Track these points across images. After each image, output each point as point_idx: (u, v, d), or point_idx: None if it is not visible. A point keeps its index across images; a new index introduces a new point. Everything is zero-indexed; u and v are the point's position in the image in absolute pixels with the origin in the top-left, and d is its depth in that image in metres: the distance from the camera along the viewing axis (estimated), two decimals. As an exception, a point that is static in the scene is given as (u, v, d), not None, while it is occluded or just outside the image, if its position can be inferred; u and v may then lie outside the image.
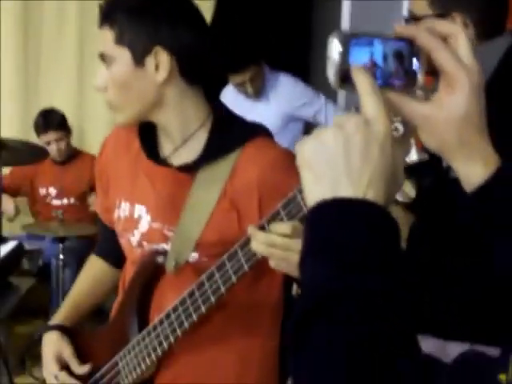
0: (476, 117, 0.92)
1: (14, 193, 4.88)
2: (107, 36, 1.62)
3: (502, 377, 0.70)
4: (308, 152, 0.84)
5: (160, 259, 1.69)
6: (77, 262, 4.09)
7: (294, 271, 1.38)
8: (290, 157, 1.58)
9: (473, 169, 0.93)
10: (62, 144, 4.82)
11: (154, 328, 1.67)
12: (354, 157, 0.82)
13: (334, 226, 0.80)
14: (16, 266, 3.36)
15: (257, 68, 4.06)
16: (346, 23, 4.35)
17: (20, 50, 5.30)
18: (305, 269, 0.82)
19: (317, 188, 0.83)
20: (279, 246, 1.39)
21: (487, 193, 0.93)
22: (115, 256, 1.89)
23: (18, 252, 3.25)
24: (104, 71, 1.65)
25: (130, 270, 1.80)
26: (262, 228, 1.42)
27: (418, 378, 0.71)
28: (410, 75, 0.91)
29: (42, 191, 4.91)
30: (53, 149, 4.76)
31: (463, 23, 1.89)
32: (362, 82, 0.85)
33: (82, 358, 1.86)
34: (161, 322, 1.65)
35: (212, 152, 1.65)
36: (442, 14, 1.90)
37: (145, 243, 1.73)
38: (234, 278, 1.51)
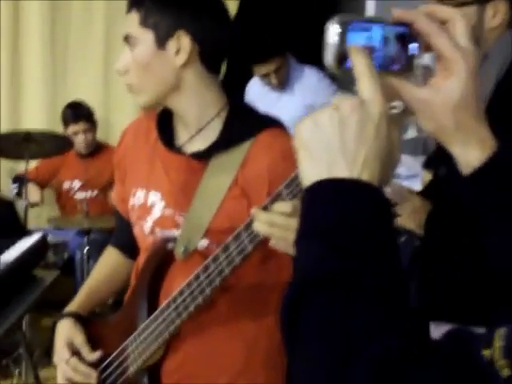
0: (473, 101, 0.93)
1: (42, 186, 4.91)
2: (133, 18, 1.66)
3: (486, 352, 0.71)
4: (304, 133, 0.86)
5: (170, 245, 1.70)
6: (101, 255, 4.10)
7: (292, 251, 1.38)
8: None
9: (470, 152, 0.95)
10: (89, 136, 4.86)
11: (162, 312, 1.69)
12: (349, 138, 0.83)
13: (328, 206, 0.82)
14: (41, 259, 3.37)
15: (282, 59, 4.05)
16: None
17: (47, 44, 5.35)
18: (300, 248, 0.84)
19: (313, 168, 0.85)
20: (279, 225, 1.39)
21: (484, 176, 0.94)
22: (130, 247, 1.91)
23: (42, 245, 3.25)
24: (127, 53, 1.69)
25: (142, 258, 1.82)
26: (264, 209, 1.43)
27: (407, 351, 0.72)
28: (408, 59, 0.91)
29: (67, 184, 4.95)
30: (80, 140, 4.81)
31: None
32: (359, 62, 0.86)
33: (93, 345, 1.88)
34: (168, 306, 1.67)
35: (225, 141, 1.68)
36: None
37: (157, 229, 1.75)
38: (237, 260, 1.52)
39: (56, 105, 5.27)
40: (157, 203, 1.75)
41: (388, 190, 1.94)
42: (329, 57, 0.88)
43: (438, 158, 1.98)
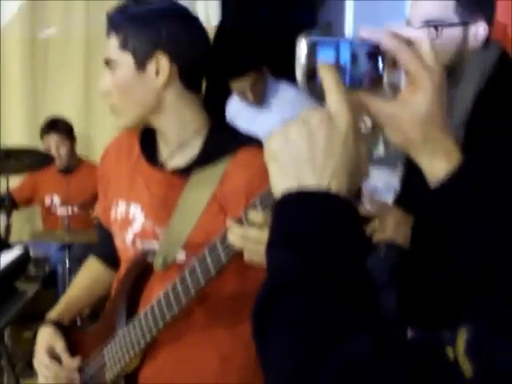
0: (439, 115, 0.97)
1: (27, 203, 4.94)
2: (112, 42, 1.71)
3: (449, 351, 0.72)
4: (274, 146, 0.89)
5: (150, 258, 1.75)
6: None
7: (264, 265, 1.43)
8: None
9: (436, 164, 0.98)
10: (63, 149, 4.87)
11: (139, 321, 1.73)
12: (317, 150, 0.87)
13: (297, 214, 0.85)
14: (22, 272, 3.41)
15: (257, 74, 4.03)
16: (349, 27, 4.39)
17: (26, 59, 5.36)
18: (269, 255, 0.87)
19: (283, 180, 0.88)
20: (252, 238, 1.43)
21: (450, 186, 0.97)
22: (112, 257, 1.96)
23: (23, 258, 3.30)
24: (108, 76, 1.73)
25: (123, 269, 1.86)
26: (239, 221, 1.47)
27: (376, 352, 0.75)
28: (376, 76, 0.95)
29: (47, 200, 4.96)
30: (54, 152, 4.81)
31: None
32: (328, 78, 0.90)
33: (73, 353, 1.92)
34: (145, 315, 1.71)
35: (204, 157, 1.72)
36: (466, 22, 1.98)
37: (138, 241, 1.80)
38: (213, 272, 1.56)
39: (36, 120, 5.29)
40: (137, 216, 1.80)
41: (369, 206, 2.01)
42: (299, 74, 0.93)
43: (410, 170, 2.06)
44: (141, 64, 1.69)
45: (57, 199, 4.94)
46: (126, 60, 1.70)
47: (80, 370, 1.91)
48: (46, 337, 1.93)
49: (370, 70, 0.95)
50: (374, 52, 0.95)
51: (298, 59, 0.93)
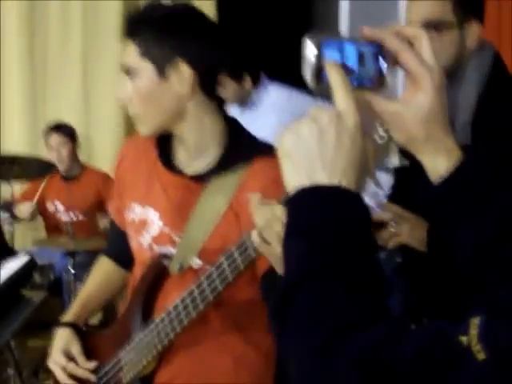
0: (440, 113, 0.99)
1: None
2: (131, 49, 1.70)
3: (463, 339, 0.75)
4: (286, 143, 0.92)
5: (166, 262, 1.76)
6: (88, 276, 4.12)
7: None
8: None
9: (438, 161, 1.01)
10: (64, 150, 4.87)
11: (156, 325, 1.75)
12: (328, 147, 0.90)
13: (310, 209, 0.89)
14: (28, 280, 3.40)
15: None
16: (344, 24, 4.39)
17: (26, 66, 5.39)
18: (285, 249, 0.90)
19: (295, 176, 0.92)
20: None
21: (451, 182, 1.01)
22: (123, 257, 1.97)
23: (29, 265, 3.28)
24: (127, 84, 1.71)
25: (138, 272, 1.88)
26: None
27: (388, 340, 0.78)
28: (379, 76, 0.98)
29: (51, 207, 4.97)
30: (54, 155, 4.82)
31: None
32: (335, 77, 0.93)
33: (88, 356, 1.93)
34: (162, 319, 1.73)
35: (223, 165, 1.73)
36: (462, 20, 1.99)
37: (155, 246, 1.81)
38: (230, 277, 1.58)
39: (36, 128, 5.32)
40: (155, 220, 1.80)
41: (387, 214, 2.03)
42: (307, 73, 0.95)
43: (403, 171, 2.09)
44: (162, 72, 1.68)
45: (60, 206, 4.94)
46: (146, 68, 1.69)
47: (95, 372, 1.92)
48: (63, 338, 1.94)
49: (374, 70, 0.97)
50: (377, 52, 0.97)
51: (307, 59, 0.94)
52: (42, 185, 4.75)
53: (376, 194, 1.87)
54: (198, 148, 1.76)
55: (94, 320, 3.94)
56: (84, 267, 4.30)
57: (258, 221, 1.38)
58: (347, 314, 0.82)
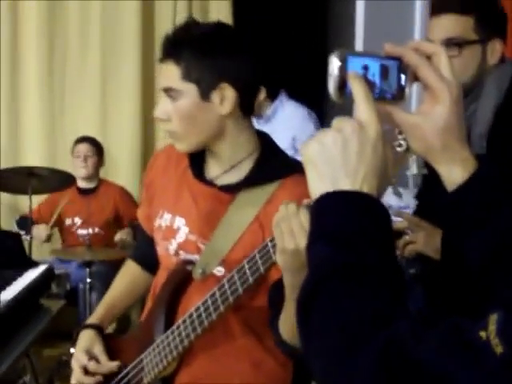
0: (456, 125, 1.06)
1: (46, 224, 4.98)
2: (173, 71, 1.72)
3: (482, 334, 0.80)
4: (311, 152, 0.98)
5: (189, 268, 1.82)
6: (104, 286, 4.17)
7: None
8: None
9: (453, 170, 1.07)
10: (90, 160, 4.94)
11: (178, 327, 1.80)
12: (350, 156, 0.96)
13: (334, 213, 0.95)
14: (46, 289, 3.46)
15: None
16: (359, 40, 4.42)
17: (44, 80, 5.42)
18: (310, 251, 0.96)
19: (319, 183, 0.97)
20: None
21: (466, 191, 1.07)
22: (149, 261, 2.02)
23: (48, 275, 3.35)
24: (167, 104, 1.75)
25: (162, 276, 1.93)
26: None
27: (412, 336, 0.83)
28: (399, 89, 1.04)
29: (68, 221, 4.99)
30: (78, 162, 4.90)
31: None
32: (358, 89, 0.99)
33: (111, 357, 1.98)
34: (183, 322, 1.78)
35: (254, 179, 1.78)
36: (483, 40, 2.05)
37: (181, 252, 1.86)
38: (251, 280, 1.63)
39: (54, 143, 5.38)
40: (182, 227, 1.85)
41: (403, 222, 2.09)
42: (331, 85, 1.01)
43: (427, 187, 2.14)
44: (206, 94, 1.71)
45: (78, 220, 4.98)
46: (189, 90, 1.71)
47: (117, 373, 1.97)
48: (86, 339, 1.99)
49: (395, 84, 1.03)
50: (398, 67, 1.04)
51: (331, 71, 1.00)
52: (59, 208, 4.80)
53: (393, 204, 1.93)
54: (231, 161, 1.81)
55: (109, 329, 3.98)
56: (100, 277, 4.37)
57: (276, 216, 1.44)
58: (371, 311, 0.86)
